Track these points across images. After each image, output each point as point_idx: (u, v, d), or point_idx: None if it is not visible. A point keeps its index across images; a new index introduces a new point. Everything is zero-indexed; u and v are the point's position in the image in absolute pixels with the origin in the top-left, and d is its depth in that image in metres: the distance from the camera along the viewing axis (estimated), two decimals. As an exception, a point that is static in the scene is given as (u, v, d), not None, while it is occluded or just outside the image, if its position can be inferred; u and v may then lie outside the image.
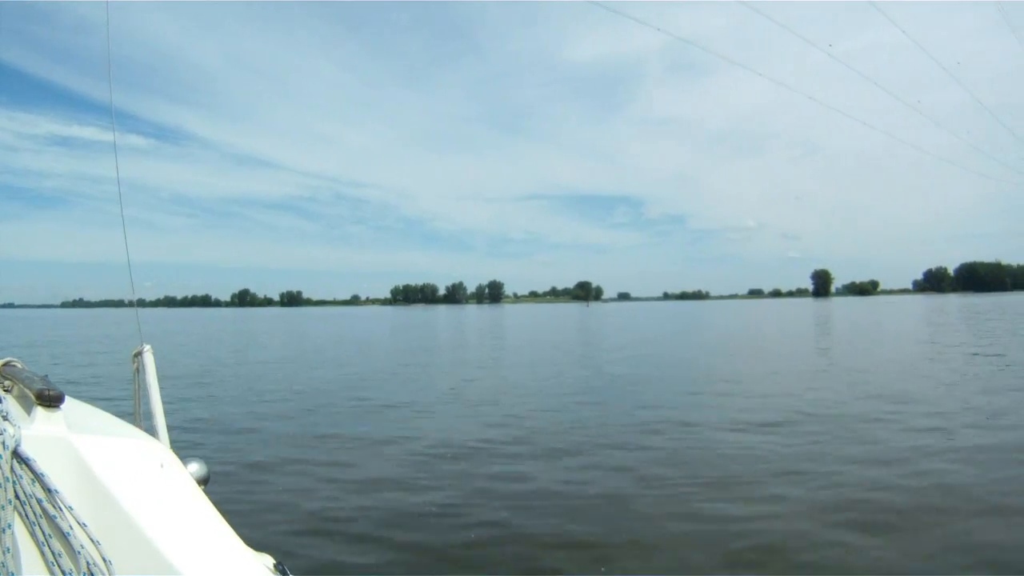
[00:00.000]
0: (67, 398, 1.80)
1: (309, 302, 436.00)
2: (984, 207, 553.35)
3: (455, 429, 13.01)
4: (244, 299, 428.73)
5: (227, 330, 67.01)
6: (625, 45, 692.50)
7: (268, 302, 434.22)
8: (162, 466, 1.79)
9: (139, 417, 2.82)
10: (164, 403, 2.83)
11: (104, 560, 1.43)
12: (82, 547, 1.43)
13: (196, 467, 2.20)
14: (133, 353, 3.00)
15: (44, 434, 1.57)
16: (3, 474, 1.41)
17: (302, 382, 21.36)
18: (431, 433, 12.65)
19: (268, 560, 1.90)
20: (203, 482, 2.10)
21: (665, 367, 24.49)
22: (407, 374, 23.57)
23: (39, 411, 1.63)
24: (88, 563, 1.42)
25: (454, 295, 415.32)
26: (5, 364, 2.28)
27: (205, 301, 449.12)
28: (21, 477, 1.44)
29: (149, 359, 2.98)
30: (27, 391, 1.81)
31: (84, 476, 1.54)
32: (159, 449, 1.88)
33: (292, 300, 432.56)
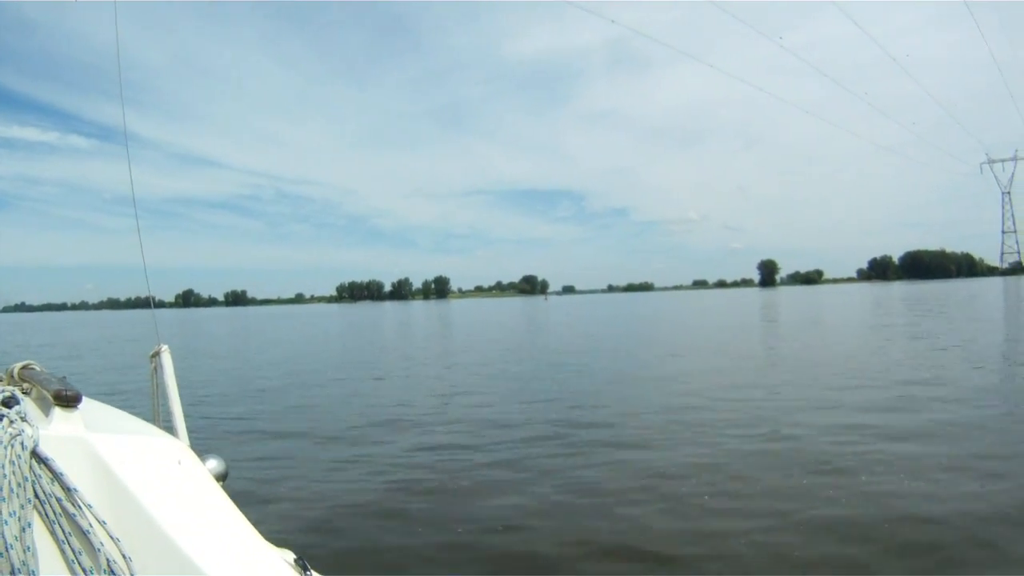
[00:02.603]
0: (84, 398, 1.78)
1: (254, 301, 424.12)
2: (928, 196, 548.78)
3: (470, 422, 13.09)
4: (188, 299, 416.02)
5: (186, 331, 65.91)
6: (567, 40, 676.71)
7: (212, 302, 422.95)
8: (180, 463, 1.78)
9: (158, 416, 2.83)
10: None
11: (124, 557, 1.43)
12: (102, 544, 1.42)
13: (215, 463, 2.18)
14: (151, 353, 3.04)
15: (62, 434, 1.58)
16: (22, 474, 1.41)
17: (301, 380, 21.45)
18: (445, 428, 12.73)
19: (289, 555, 1.86)
20: (222, 478, 2.05)
21: (650, 360, 24.29)
22: (404, 369, 23.85)
23: (57, 411, 1.65)
24: (108, 560, 1.41)
25: (400, 291, 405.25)
26: (24, 367, 2.27)
27: (148, 303, 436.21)
28: (40, 477, 1.44)
29: (167, 359, 2.99)
30: (45, 392, 1.82)
31: (103, 474, 1.54)
32: (177, 446, 1.86)
33: (236, 299, 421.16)
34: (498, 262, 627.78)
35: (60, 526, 1.43)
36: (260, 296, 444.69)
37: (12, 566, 1.31)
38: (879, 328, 34.23)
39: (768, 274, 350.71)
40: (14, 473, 1.42)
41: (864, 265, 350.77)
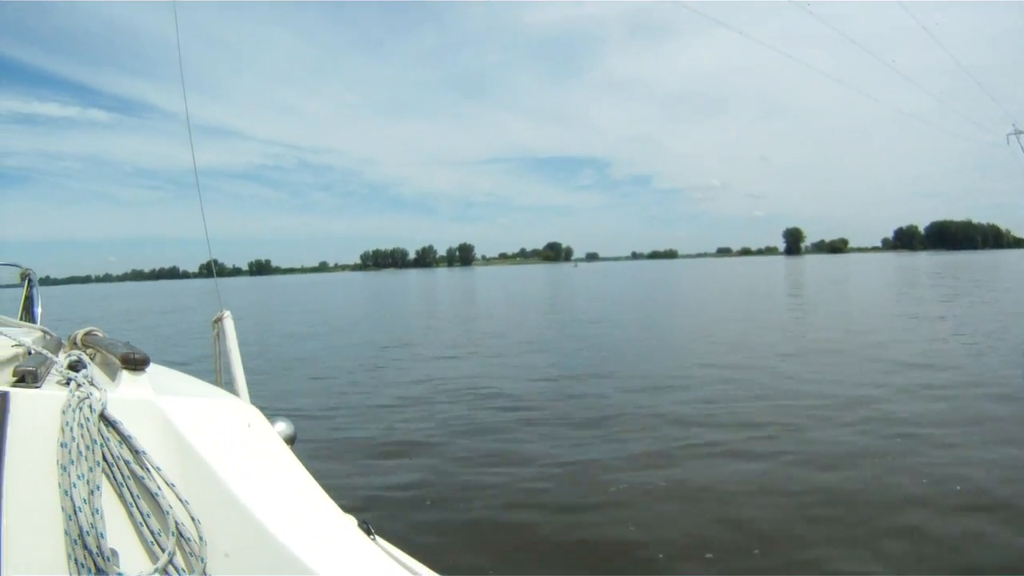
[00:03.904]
0: (151, 362, 1.81)
1: (278, 270, 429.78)
2: (954, 166, 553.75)
3: (540, 394, 12.66)
4: (212, 270, 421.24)
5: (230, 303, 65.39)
6: (585, 8, 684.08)
7: (236, 271, 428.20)
8: (249, 425, 1.80)
9: (220, 380, 2.89)
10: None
11: (193, 519, 1.45)
12: (170, 507, 1.44)
13: (283, 426, 2.19)
14: (213, 319, 3.19)
15: (130, 397, 1.59)
16: (91, 436, 1.42)
17: (354, 346, 22.08)
18: (519, 395, 12.46)
19: (352, 520, 1.85)
20: (290, 441, 2.07)
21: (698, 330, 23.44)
22: (463, 337, 23.67)
23: (124, 374, 1.68)
24: (177, 522, 1.43)
25: (424, 259, 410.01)
26: (87, 333, 2.34)
27: (173, 273, 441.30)
28: (109, 439, 1.45)
29: (229, 324, 3.11)
30: (111, 356, 1.87)
31: (171, 437, 1.56)
32: (246, 409, 1.87)
33: (261, 269, 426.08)
34: (521, 229, 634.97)
35: (128, 488, 1.45)
36: (284, 265, 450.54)
37: (81, 528, 1.31)
38: (926, 300, 32.29)
39: (793, 242, 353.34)
40: (83, 436, 1.43)
41: (889, 234, 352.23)
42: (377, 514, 6.57)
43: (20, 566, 1.32)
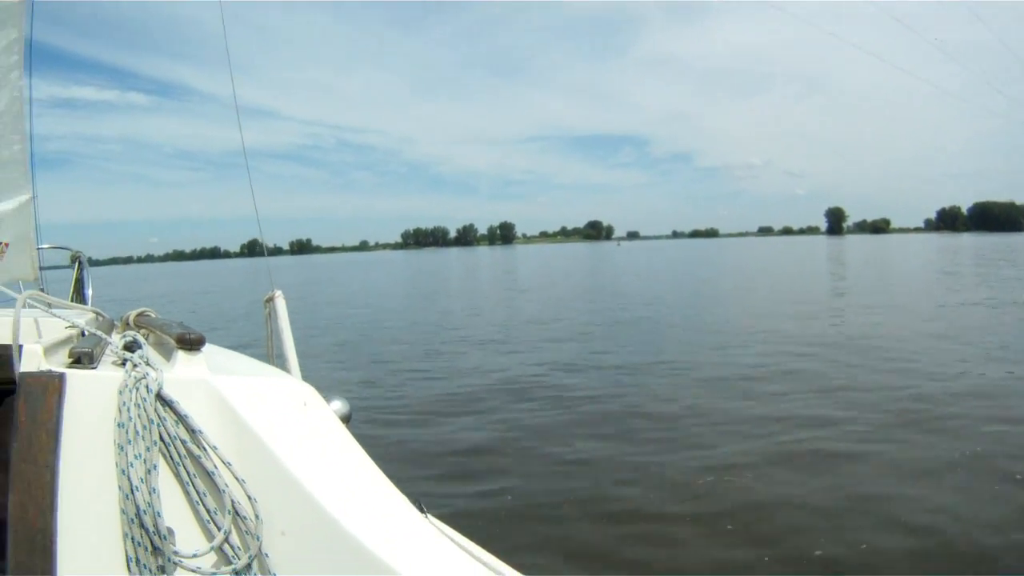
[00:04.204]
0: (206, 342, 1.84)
1: (319, 249, 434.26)
2: (996, 145, 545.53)
3: (600, 375, 12.74)
4: (253, 249, 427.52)
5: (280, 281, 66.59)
6: None
7: (278, 251, 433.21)
8: (305, 404, 1.81)
9: (272, 359, 2.95)
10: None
11: (249, 498, 1.46)
12: (227, 486, 1.45)
13: (339, 404, 2.22)
14: (265, 299, 3.27)
15: (186, 376, 1.63)
16: (147, 416, 1.44)
17: (412, 324, 22.63)
18: (576, 382, 12.21)
19: (407, 500, 1.87)
20: (346, 420, 2.08)
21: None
22: (515, 316, 24.21)
23: (180, 354, 1.73)
24: (233, 501, 1.44)
25: (465, 237, 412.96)
26: (139, 314, 2.41)
27: (214, 253, 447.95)
28: (165, 419, 1.47)
29: (281, 303, 3.20)
30: (166, 337, 1.92)
31: (228, 416, 1.58)
32: (303, 387, 1.88)
33: (302, 248, 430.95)
34: (561, 208, 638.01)
35: (185, 468, 1.47)
36: (325, 244, 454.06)
37: (138, 507, 1.34)
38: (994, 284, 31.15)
39: (836, 222, 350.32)
40: (139, 416, 1.46)
41: (932, 215, 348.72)
42: (429, 492, 6.48)
43: (75, 545, 1.33)
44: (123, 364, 1.66)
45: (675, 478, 7.24)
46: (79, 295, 4.69)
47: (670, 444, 8.40)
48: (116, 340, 1.86)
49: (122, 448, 1.41)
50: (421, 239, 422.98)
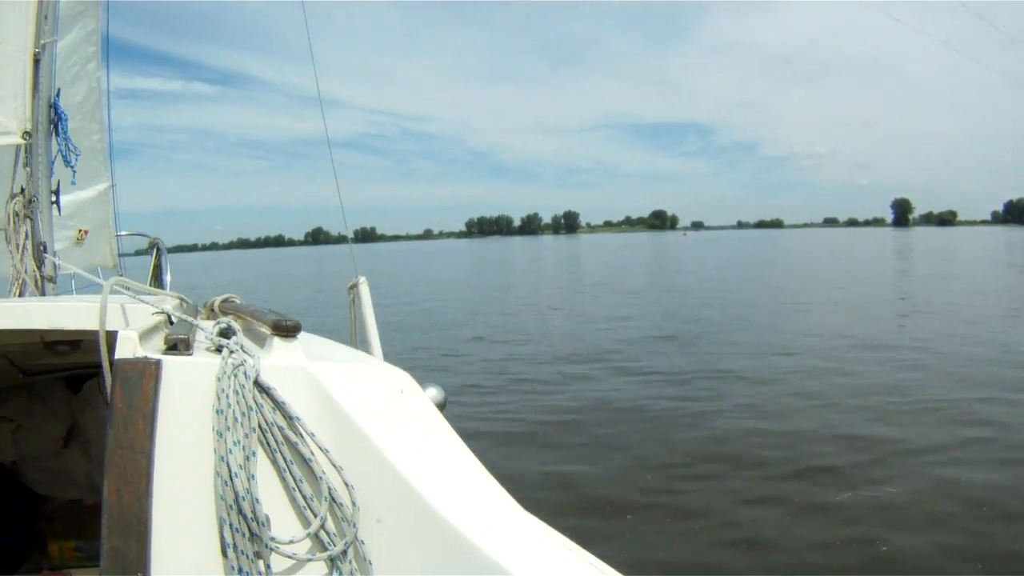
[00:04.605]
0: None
1: (383, 238, 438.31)
2: None
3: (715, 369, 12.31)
4: (317, 237, 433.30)
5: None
6: None
7: (341, 239, 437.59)
8: (402, 391, 1.81)
9: (356, 345, 3.02)
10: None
11: (346, 485, 1.48)
12: (323, 473, 1.47)
13: (434, 391, 2.26)
14: (349, 285, 3.35)
15: (283, 363, 1.64)
16: (246, 403, 1.46)
17: (492, 313, 22.54)
18: (673, 375, 11.96)
19: (503, 491, 1.82)
20: (441, 407, 2.09)
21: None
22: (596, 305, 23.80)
23: (276, 341, 1.73)
24: (330, 488, 1.46)
25: (529, 226, 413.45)
26: (224, 300, 2.45)
27: (279, 241, 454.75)
28: (262, 406, 1.50)
29: (364, 290, 3.27)
30: (258, 323, 1.95)
31: (324, 403, 1.59)
32: (399, 375, 1.89)
33: (366, 236, 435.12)
34: (624, 196, 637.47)
35: (282, 454, 1.49)
36: (389, 233, 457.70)
37: (237, 494, 1.35)
38: None
39: (901, 214, 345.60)
40: (238, 402, 1.46)
41: (999, 207, 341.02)
42: (519, 486, 6.37)
43: (170, 529, 1.36)
44: (218, 350, 1.67)
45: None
46: (157, 281, 4.77)
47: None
48: (210, 326, 1.86)
49: (221, 435, 1.42)
50: (485, 228, 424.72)
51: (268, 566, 1.37)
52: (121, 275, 5.86)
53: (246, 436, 1.44)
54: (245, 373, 1.53)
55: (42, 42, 3.53)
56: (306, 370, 1.64)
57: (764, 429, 8.61)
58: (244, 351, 1.65)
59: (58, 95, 3.74)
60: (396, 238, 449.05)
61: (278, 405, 1.54)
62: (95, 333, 1.74)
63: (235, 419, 1.44)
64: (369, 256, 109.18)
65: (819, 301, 24.50)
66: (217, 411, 1.45)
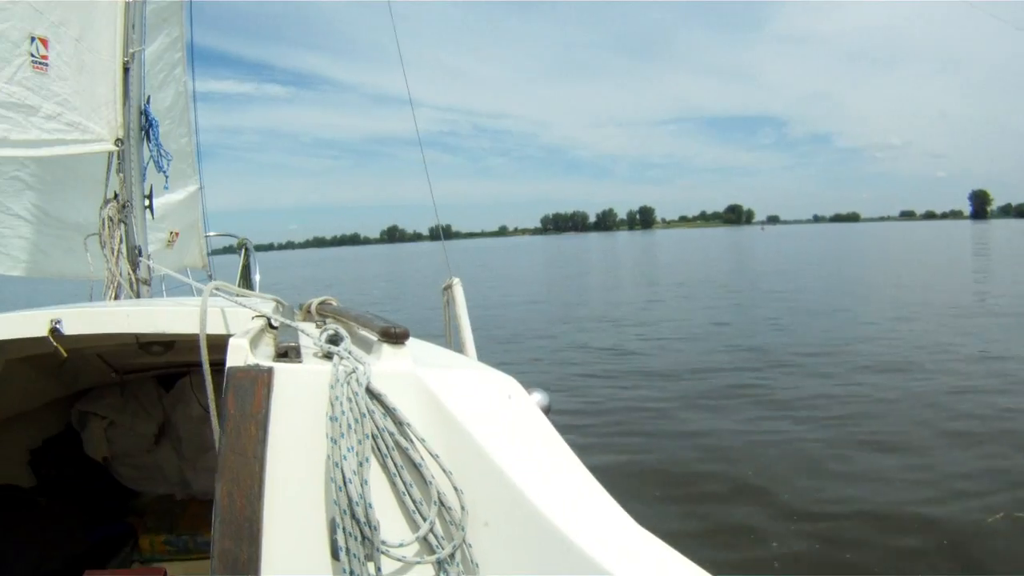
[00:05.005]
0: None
1: (458, 235, 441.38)
2: None
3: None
4: (393, 235, 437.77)
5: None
6: None
7: (417, 236, 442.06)
8: (510, 397, 1.84)
9: (450, 345, 3.07)
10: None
11: (456, 490, 1.51)
12: (433, 478, 1.50)
13: (540, 397, 2.24)
14: (443, 286, 3.40)
15: (393, 370, 1.67)
16: (359, 410, 1.50)
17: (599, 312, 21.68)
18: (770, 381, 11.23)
19: (611, 498, 1.77)
20: (546, 412, 2.09)
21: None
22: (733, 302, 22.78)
23: (385, 348, 1.75)
24: (439, 493, 1.49)
25: (604, 222, 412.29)
26: (322, 303, 2.49)
27: (354, 239, 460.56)
28: (374, 412, 1.53)
29: (459, 291, 3.34)
30: (365, 329, 1.98)
31: (434, 409, 1.62)
32: (506, 380, 1.92)
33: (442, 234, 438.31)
34: (699, 191, 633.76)
35: (392, 459, 1.50)
36: (464, 230, 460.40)
37: (350, 499, 1.37)
38: None
39: (979, 206, 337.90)
40: (351, 410, 1.48)
41: None
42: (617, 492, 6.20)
43: (281, 533, 1.40)
44: (326, 357, 1.71)
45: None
46: (246, 281, 4.87)
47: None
48: (317, 333, 1.89)
49: (335, 441, 1.44)
50: (560, 224, 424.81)
51: (378, 569, 1.39)
52: (210, 275, 6.08)
53: (359, 442, 1.46)
54: (357, 380, 1.55)
55: (131, 51, 3.65)
56: (416, 376, 1.66)
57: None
58: (354, 358, 1.67)
59: (148, 102, 3.87)
60: (471, 235, 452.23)
61: (389, 411, 1.56)
62: (194, 336, 1.84)
63: (349, 426, 1.46)
64: (448, 253, 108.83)
65: (928, 303, 21.38)
66: (331, 418, 1.48)
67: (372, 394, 1.56)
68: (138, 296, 3.71)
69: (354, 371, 1.57)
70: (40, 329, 2.13)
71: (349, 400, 1.50)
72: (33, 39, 3.10)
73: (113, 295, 3.62)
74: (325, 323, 2.28)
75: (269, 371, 1.54)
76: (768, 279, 33.32)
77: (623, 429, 8.85)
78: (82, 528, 3.37)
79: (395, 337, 1.75)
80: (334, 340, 1.81)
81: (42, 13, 3.15)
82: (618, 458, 7.67)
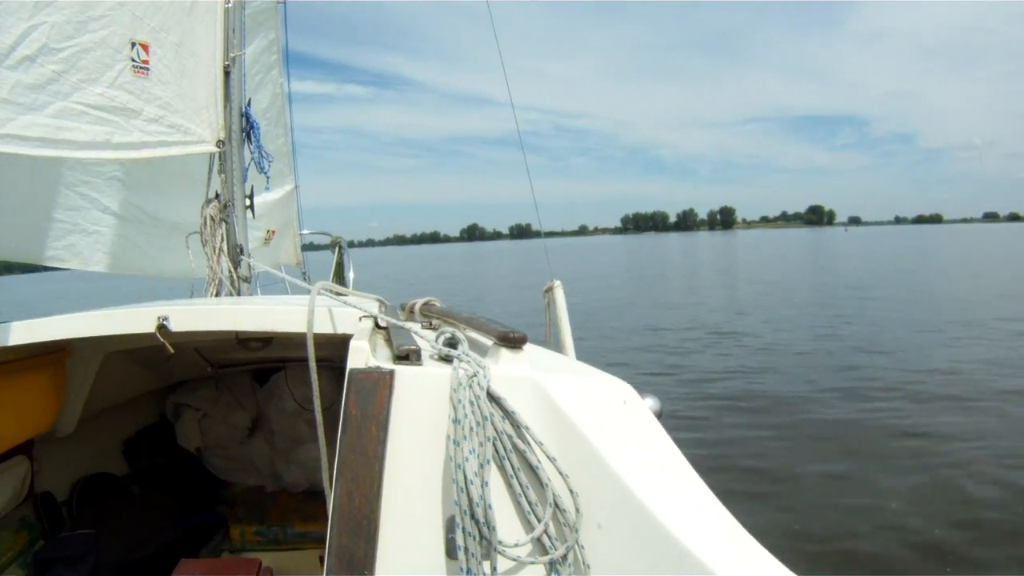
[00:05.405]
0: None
1: (538, 234, 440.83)
2: None
3: None
4: (473, 234, 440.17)
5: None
6: None
7: (497, 235, 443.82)
8: (625, 402, 1.85)
9: (549, 347, 3.05)
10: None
11: (571, 492, 1.52)
12: (549, 480, 1.52)
13: (652, 402, 2.24)
14: (544, 288, 3.46)
15: (511, 374, 1.70)
16: (482, 413, 1.53)
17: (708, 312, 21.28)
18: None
19: (723, 507, 1.77)
20: (658, 417, 2.08)
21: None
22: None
23: (504, 352, 1.79)
24: (554, 495, 1.50)
25: (685, 222, 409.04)
26: (425, 303, 2.54)
27: (434, 238, 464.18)
28: (493, 415, 1.56)
29: (559, 293, 3.37)
30: (478, 332, 2.02)
31: (552, 413, 1.64)
32: (621, 386, 1.93)
33: (521, 232, 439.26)
34: (779, 191, 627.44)
35: (510, 461, 1.54)
36: (544, 229, 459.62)
37: (471, 500, 1.41)
38: None
39: None
40: (474, 412, 1.52)
41: None
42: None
43: (398, 531, 1.46)
44: (443, 359, 1.76)
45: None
46: (340, 278, 4.98)
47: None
48: (432, 336, 1.95)
49: (458, 444, 1.48)
50: (640, 223, 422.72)
51: (494, 568, 1.44)
52: (304, 272, 6.24)
53: (481, 444, 1.50)
54: (479, 383, 1.59)
55: (231, 55, 3.77)
56: (534, 381, 1.70)
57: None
58: (474, 362, 1.72)
59: (249, 104, 4.02)
60: (551, 234, 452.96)
61: (508, 414, 1.60)
62: (299, 334, 1.93)
63: (471, 428, 1.50)
64: (527, 253, 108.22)
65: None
66: (454, 420, 1.52)
67: (492, 397, 1.60)
68: (239, 293, 3.81)
69: (475, 375, 1.62)
70: (148, 325, 2.18)
71: (471, 403, 1.54)
72: (134, 44, 3.20)
73: (214, 292, 3.72)
74: (431, 324, 2.39)
75: (391, 373, 1.61)
76: (872, 284, 30.21)
77: (728, 440, 8.56)
78: (174, 516, 3.47)
79: (513, 342, 1.80)
80: (452, 343, 1.88)
81: (142, 19, 3.25)
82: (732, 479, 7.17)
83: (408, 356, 1.73)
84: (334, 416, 1.68)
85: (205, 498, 4.00)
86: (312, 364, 1.81)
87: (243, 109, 3.94)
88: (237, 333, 2.78)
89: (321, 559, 1.51)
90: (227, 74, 3.75)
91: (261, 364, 4.13)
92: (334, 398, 2.49)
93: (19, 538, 2.94)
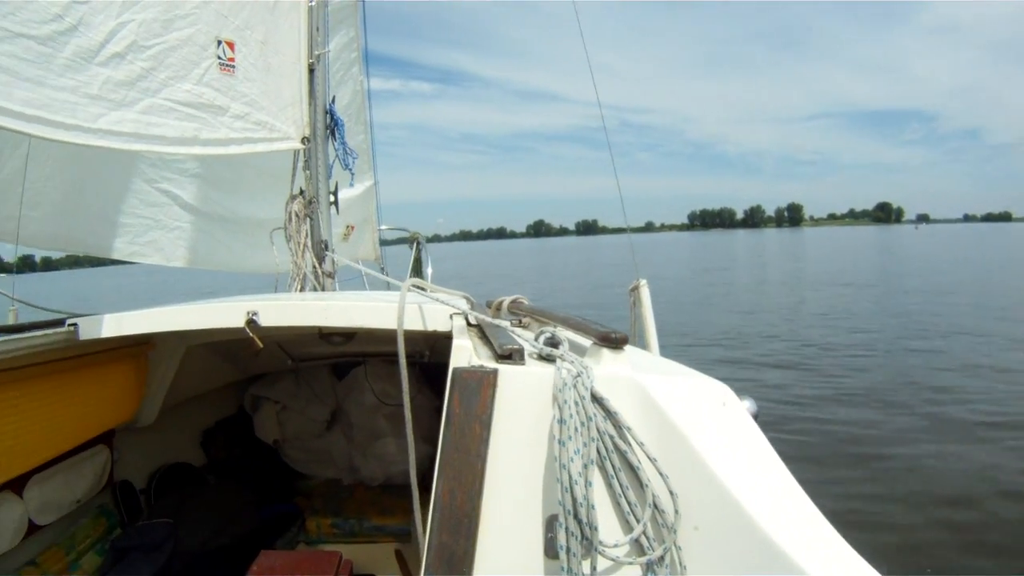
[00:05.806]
0: None
1: (604, 230, 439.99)
2: None
3: None
4: (539, 230, 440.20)
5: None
6: None
7: (563, 231, 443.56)
8: (724, 404, 1.85)
9: (635, 345, 3.00)
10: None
11: (671, 493, 1.53)
12: (649, 481, 1.52)
13: (749, 404, 2.21)
14: (630, 288, 3.49)
15: (613, 374, 1.70)
16: (586, 413, 1.53)
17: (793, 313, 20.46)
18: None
19: (818, 510, 1.74)
20: (755, 419, 2.07)
21: None
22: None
23: (605, 352, 1.78)
24: (654, 496, 1.51)
25: (752, 218, 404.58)
26: (513, 301, 2.55)
27: (500, 233, 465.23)
28: (596, 415, 1.55)
29: (645, 292, 3.42)
30: (574, 332, 2.03)
31: (652, 413, 1.64)
32: (720, 387, 1.92)
33: (588, 228, 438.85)
34: (847, 188, 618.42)
35: (611, 461, 1.54)
36: (611, 225, 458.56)
37: (575, 500, 1.42)
38: None
39: None
40: (578, 413, 1.52)
41: None
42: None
43: (498, 529, 1.48)
44: (543, 359, 1.76)
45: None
46: (417, 274, 5.00)
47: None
48: (531, 336, 1.95)
49: (563, 444, 1.48)
50: (707, 220, 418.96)
51: (594, 568, 1.43)
52: (383, 267, 6.31)
53: (585, 445, 1.49)
54: (583, 384, 1.59)
55: (316, 53, 3.83)
56: (635, 381, 1.69)
57: None
58: (577, 362, 1.70)
59: (333, 101, 4.09)
60: (617, 230, 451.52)
61: (610, 415, 1.59)
62: (388, 331, 1.97)
63: (576, 428, 1.50)
64: (594, 249, 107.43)
65: None
66: (559, 420, 1.52)
67: (595, 398, 1.59)
68: (323, 288, 3.86)
69: (579, 375, 1.61)
70: (237, 320, 2.24)
71: (576, 403, 1.54)
72: (220, 42, 3.26)
73: (299, 287, 3.77)
74: (520, 321, 2.42)
75: (494, 372, 1.62)
76: (960, 289, 27.82)
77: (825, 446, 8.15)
78: (251, 507, 3.53)
79: (614, 342, 1.78)
80: (553, 343, 1.88)
81: (227, 17, 3.31)
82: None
83: (511, 355, 1.74)
84: (411, 410, 1.78)
85: (281, 490, 4.07)
86: (402, 360, 1.84)
87: (327, 106, 4.00)
88: (320, 327, 2.78)
89: (398, 553, 1.71)
90: (311, 71, 3.80)
91: (340, 358, 4.17)
92: (413, 393, 2.53)
93: (97, 525, 3.02)
